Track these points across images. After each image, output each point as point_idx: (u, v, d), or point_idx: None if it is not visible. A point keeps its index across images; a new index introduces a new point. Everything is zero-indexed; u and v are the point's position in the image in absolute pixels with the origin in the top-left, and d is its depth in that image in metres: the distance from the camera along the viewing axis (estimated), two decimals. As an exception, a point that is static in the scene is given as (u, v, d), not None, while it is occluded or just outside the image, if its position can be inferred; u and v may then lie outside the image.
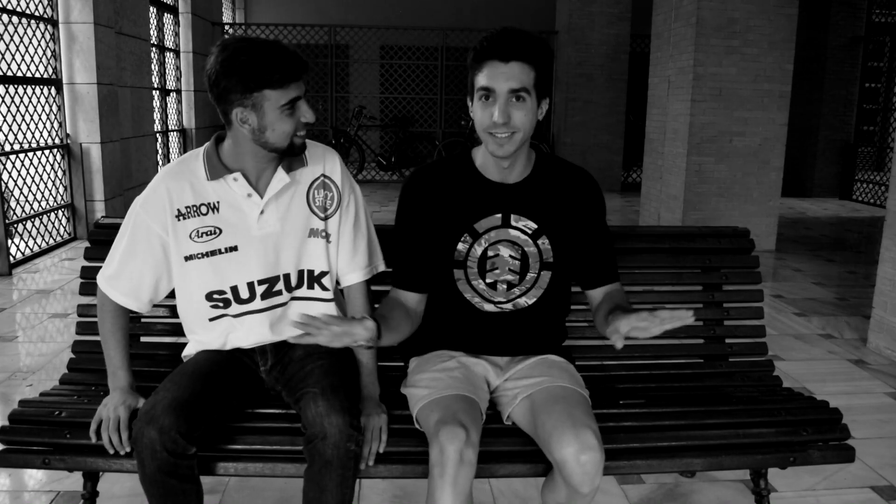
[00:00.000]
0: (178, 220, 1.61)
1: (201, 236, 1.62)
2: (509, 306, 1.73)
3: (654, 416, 1.74)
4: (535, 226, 1.69)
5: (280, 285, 1.68)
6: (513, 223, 1.68)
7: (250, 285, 1.65)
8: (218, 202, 1.62)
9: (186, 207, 1.61)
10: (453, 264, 1.69)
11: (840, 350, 3.71)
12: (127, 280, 1.64)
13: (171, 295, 1.74)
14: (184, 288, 1.67)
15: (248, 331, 1.70)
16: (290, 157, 1.63)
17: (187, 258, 1.63)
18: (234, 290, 1.65)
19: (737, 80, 5.98)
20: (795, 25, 6.01)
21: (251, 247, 1.63)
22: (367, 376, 1.73)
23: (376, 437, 1.60)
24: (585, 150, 10.19)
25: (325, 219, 1.69)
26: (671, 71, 6.35)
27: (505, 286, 1.71)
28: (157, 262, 1.64)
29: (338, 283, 1.78)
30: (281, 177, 1.63)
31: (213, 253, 1.62)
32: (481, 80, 1.53)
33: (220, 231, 1.62)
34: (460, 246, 1.68)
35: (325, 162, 1.70)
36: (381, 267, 1.79)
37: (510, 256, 1.69)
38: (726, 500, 2.25)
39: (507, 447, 1.64)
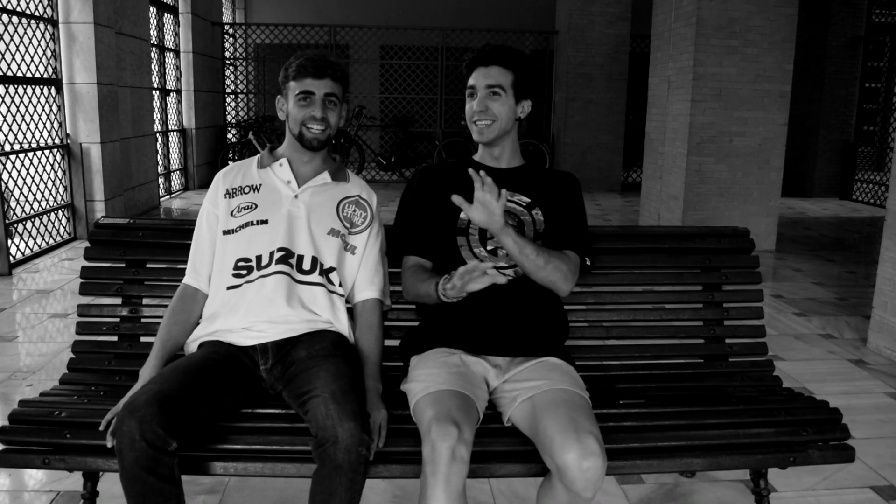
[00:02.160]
0: (225, 197, 1.87)
1: (241, 211, 1.84)
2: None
3: (654, 416, 1.74)
4: (528, 199, 1.91)
5: (293, 260, 1.80)
6: (508, 198, 1.88)
7: (272, 254, 1.79)
8: (260, 184, 1.88)
9: (234, 188, 1.88)
10: (456, 232, 1.86)
11: (840, 350, 3.71)
12: (193, 259, 1.87)
13: None
14: (219, 261, 1.83)
15: (258, 295, 1.74)
16: (308, 150, 1.86)
17: (225, 232, 1.83)
18: (259, 258, 1.80)
19: (737, 80, 5.98)
20: (795, 25, 6.01)
21: (279, 221, 1.82)
22: (371, 371, 1.76)
23: (375, 434, 1.60)
24: (585, 150, 10.19)
25: (350, 231, 1.89)
26: (671, 71, 6.35)
27: (505, 252, 1.80)
28: (215, 236, 1.86)
29: (347, 301, 1.89)
30: (324, 177, 1.90)
31: (246, 225, 1.82)
32: (469, 81, 1.90)
33: (256, 206, 1.84)
34: (462, 214, 1.85)
35: (365, 190, 1.97)
36: (389, 303, 1.96)
37: (508, 223, 1.80)
38: (726, 500, 2.25)
39: (506, 447, 1.64)
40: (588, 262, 1.92)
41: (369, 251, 1.90)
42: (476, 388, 1.66)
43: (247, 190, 1.87)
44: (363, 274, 1.88)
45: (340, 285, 1.84)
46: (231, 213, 1.84)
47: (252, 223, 1.82)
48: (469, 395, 1.61)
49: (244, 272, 1.78)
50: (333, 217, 1.87)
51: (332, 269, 1.83)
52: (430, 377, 1.65)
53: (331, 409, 1.49)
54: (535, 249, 1.74)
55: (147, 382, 1.56)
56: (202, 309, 1.84)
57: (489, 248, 1.84)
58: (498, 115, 1.86)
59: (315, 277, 1.80)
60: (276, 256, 1.78)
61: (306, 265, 1.80)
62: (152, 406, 1.45)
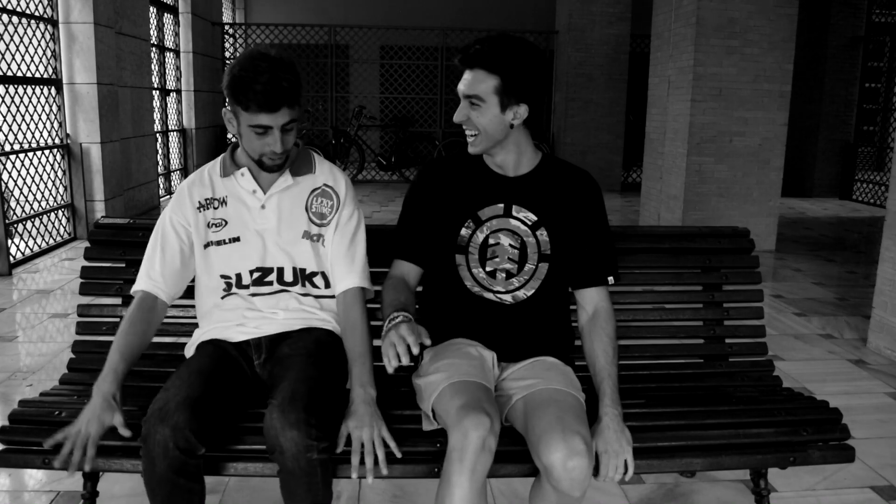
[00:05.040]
0: (199, 211, 1.77)
1: (213, 227, 1.77)
2: (508, 298, 1.75)
3: (654, 416, 1.74)
4: (534, 217, 1.76)
5: (272, 277, 1.76)
6: (514, 213, 1.76)
7: (251, 273, 1.76)
8: (226, 197, 1.78)
9: (206, 200, 1.78)
10: (456, 249, 1.76)
11: (840, 350, 3.71)
12: (150, 266, 1.74)
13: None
14: (204, 272, 1.78)
15: (247, 307, 1.75)
16: (263, 171, 1.74)
17: (206, 245, 1.77)
18: (238, 276, 1.76)
19: (737, 80, 5.98)
20: (795, 25, 6.01)
21: (251, 238, 1.76)
22: (360, 375, 1.63)
23: (370, 451, 1.50)
24: (585, 150, 10.19)
25: (321, 225, 1.78)
26: (671, 71, 6.35)
27: (504, 275, 1.75)
28: (185, 245, 1.76)
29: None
30: (286, 178, 1.77)
31: (220, 243, 1.76)
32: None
33: (227, 223, 1.77)
34: (463, 231, 1.76)
35: (331, 176, 1.83)
36: (370, 288, 1.81)
37: (510, 245, 1.75)
38: (726, 500, 2.25)
39: (506, 447, 1.62)
40: (612, 281, 1.80)
41: (339, 233, 1.77)
42: (491, 384, 1.66)
43: (216, 204, 1.77)
44: (339, 263, 1.76)
45: (327, 286, 1.80)
46: (207, 226, 1.77)
47: (225, 241, 1.75)
48: (490, 387, 1.61)
49: (226, 287, 1.77)
50: (304, 220, 1.77)
51: (314, 274, 1.78)
52: (452, 367, 1.62)
53: (274, 418, 1.45)
54: (616, 389, 1.66)
55: (169, 387, 1.52)
56: (161, 319, 1.76)
57: (488, 269, 1.75)
58: (479, 126, 1.68)
59: (298, 288, 1.77)
60: (254, 277, 1.75)
61: (288, 276, 1.76)
62: (184, 412, 1.44)
